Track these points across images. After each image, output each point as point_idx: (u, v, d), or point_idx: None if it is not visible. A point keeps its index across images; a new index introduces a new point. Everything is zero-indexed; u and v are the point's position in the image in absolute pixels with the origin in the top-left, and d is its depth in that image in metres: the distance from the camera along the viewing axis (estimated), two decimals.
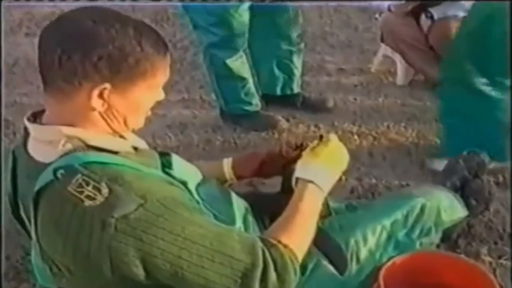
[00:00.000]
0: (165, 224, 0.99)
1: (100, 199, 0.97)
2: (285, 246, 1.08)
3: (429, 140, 2.53)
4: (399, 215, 1.49)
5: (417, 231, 1.50)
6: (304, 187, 1.21)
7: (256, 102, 2.67)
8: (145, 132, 2.22)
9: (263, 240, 1.07)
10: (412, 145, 2.55)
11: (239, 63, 2.52)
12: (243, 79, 2.56)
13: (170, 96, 1.21)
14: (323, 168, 1.23)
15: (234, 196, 1.33)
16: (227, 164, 1.45)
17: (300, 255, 1.11)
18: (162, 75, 1.10)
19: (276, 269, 1.05)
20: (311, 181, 1.21)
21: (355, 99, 2.93)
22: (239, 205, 1.32)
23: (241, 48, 2.48)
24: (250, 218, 1.33)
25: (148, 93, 1.09)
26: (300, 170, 1.25)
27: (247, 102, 2.64)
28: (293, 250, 1.09)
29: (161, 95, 1.14)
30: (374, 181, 2.33)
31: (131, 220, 0.97)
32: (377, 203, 1.71)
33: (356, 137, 2.60)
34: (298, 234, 1.13)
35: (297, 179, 1.24)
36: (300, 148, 1.38)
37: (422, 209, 1.52)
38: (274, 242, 1.08)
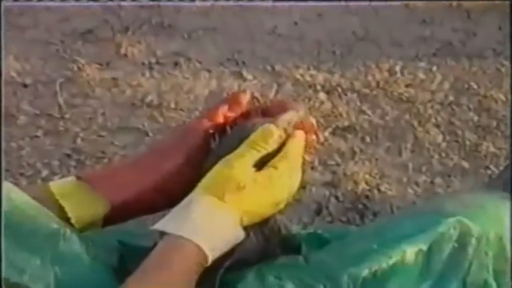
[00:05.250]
0: None
1: None
2: None
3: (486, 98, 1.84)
4: (412, 251, 0.88)
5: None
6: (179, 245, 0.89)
7: None
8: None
9: None
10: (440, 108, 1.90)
11: None
12: None
13: None
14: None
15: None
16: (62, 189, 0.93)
17: None
18: None
19: None
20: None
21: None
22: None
23: None
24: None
25: None
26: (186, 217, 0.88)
27: None
28: None
29: None
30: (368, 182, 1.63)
31: None
32: (369, 228, 1.16)
33: (338, 94, 1.87)
34: None
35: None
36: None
37: (463, 242, 0.87)
38: None
